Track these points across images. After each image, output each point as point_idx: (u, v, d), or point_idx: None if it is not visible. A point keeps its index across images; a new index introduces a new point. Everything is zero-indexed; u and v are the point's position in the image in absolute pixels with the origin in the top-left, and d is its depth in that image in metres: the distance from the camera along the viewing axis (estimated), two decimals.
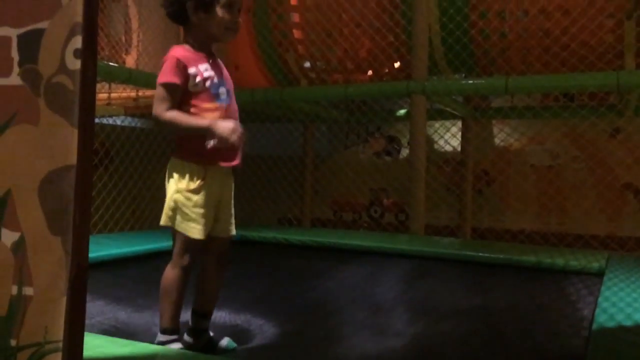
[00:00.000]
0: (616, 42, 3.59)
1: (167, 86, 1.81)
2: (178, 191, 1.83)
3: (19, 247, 1.01)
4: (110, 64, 3.95)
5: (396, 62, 4.48)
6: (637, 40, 3.54)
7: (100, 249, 2.90)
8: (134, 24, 4.30)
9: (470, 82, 4.08)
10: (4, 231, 1.03)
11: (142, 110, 4.04)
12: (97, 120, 3.92)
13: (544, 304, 2.47)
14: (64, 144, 0.98)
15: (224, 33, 1.92)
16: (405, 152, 5.38)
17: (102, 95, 3.92)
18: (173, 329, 1.83)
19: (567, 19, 3.63)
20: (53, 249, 0.98)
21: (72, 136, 0.98)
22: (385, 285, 2.71)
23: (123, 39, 4.54)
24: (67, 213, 0.97)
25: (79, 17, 0.98)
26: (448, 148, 5.03)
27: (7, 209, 1.02)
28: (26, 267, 1.00)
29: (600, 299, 2.28)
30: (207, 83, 1.85)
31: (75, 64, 0.98)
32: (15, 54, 1.03)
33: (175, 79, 1.81)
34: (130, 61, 4.35)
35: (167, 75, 1.82)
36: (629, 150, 4.52)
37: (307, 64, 4.65)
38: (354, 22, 4.31)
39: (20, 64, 1.03)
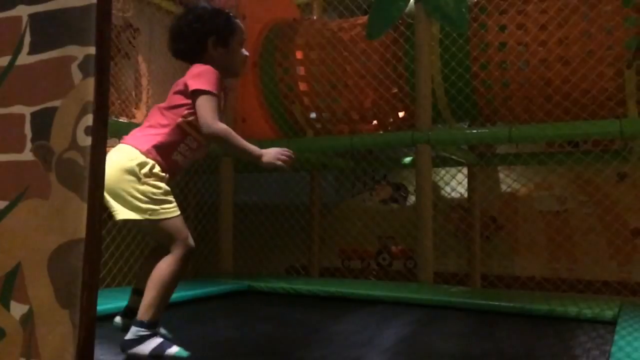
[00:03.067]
0: (617, 90, 3.63)
1: (215, 97, 1.83)
2: (143, 183, 1.80)
3: (27, 320, 1.03)
4: (120, 120, 4.05)
5: (400, 112, 4.55)
6: (638, 88, 3.59)
7: (108, 302, 2.90)
8: (144, 81, 4.42)
9: (474, 131, 4.13)
10: (13, 304, 1.04)
11: None
12: None
13: (557, 354, 2.43)
14: (74, 218, 1.01)
15: (240, 66, 2.04)
16: (412, 199, 5.39)
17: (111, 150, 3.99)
18: (157, 323, 1.82)
19: (567, 69, 3.69)
20: (61, 322, 1.00)
21: (81, 210, 1.01)
22: (394, 335, 2.68)
23: (133, 93, 4.65)
24: (75, 286, 0.99)
25: (90, 97, 1.02)
26: (455, 195, 5.04)
27: (16, 282, 1.05)
28: (34, 340, 1.02)
29: (613, 349, 2.25)
30: (221, 109, 1.94)
31: (86, 141, 1.02)
32: (28, 131, 1.08)
33: (219, 92, 1.86)
34: (139, 116, 4.44)
35: (214, 85, 1.84)
36: (636, 195, 4.51)
37: (313, 115, 4.73)
38: (358, 74, 4.41)
39: (32, 140, 1.07)
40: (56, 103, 1.06)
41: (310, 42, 4.63)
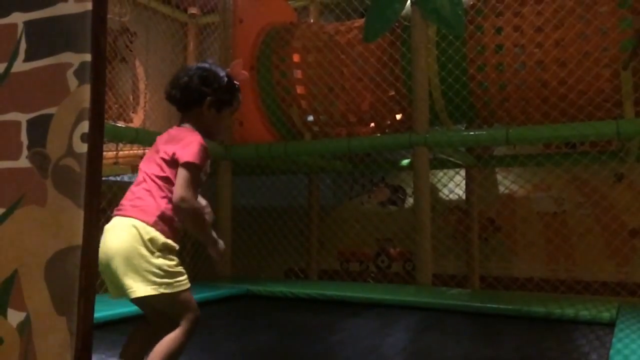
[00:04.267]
0: (614, 91, 3.64)
1: (199, 169, 1.83)
2: (157, 257, 1.77)
3: (24, 327, 1.03)
4: (118, 124, 4.04)
5: (398, 114, 4.55)
6: (634, 89, 3.60)
7: (107, 309, 2.89)
8: (141, 85, 4.42)
9: (472, 133, 4.13)
10: (10, 311, 1.04)
11: None
12: (104, 179, 3.98)
13: (554, 356, 2.43)
14: (70, 224, 1.01)
15: (222, 134, 2.11)
16: (410, 202, 5.39)
17: (109, 154, 4.00)
18: None
19: (564, 70, 3.70)
20: (58, 329, 0.99)
21: (78, 217, 1.01)
22: (393, 338, 2.68)
23: (131, 97, 4.66)
24: (72, 293, 0.99)
25: (86, 103, 1.02)
26: (453, 197, 5.04)
27: (13, 289, 1.04)
28: (31, 348, 1.01)
29: (611, 352, 2.25)
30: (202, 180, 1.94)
31: (82, 148, 1.02)
32: (24, 138, 1.08)
33: (204, 165, 1.87)
34: (137, 120, 4.45)
35: (200, 157, 1.83)
36: (634, 196, 4.51)
37: (310, 118, 4.73)
38: (355, 77, 4.41)
39: (29, 148, 1.07)
40: (52, 110, 1.06)
41: (307, 45, 4.63)
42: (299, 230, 5.19)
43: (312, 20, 5.44)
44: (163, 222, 1.81)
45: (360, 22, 4.54)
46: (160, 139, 1.95)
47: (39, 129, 1.07)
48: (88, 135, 1.02)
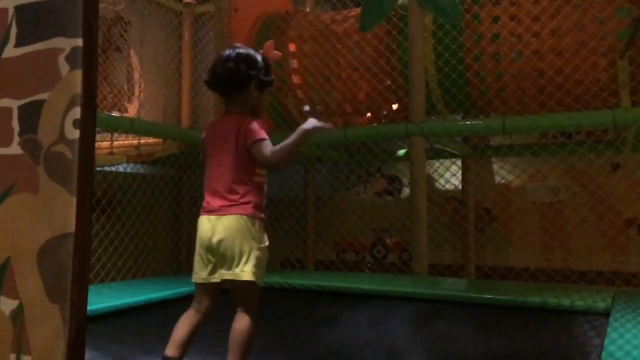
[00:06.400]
0: (610, 81, 3.63)
1: (267, 139, 2.04)
2: (258, 248, 2.03)
3: (17, 315, 1.02)
4: (113, 114, 4.02)
5: (394, 104, 4.53)
6: (631, 78, 3.59)
7: (101, 300, 2.89)
8: (136, 75, 4.39)
9: (468, 123, 4.12)
10: (3, 299, 1.03)
11: (143, 158, 4.08)
12: (99, 169, 3.96)
13: (549, 347, 2.44)
14: (63, 212, 1.00)
15: (263, 112, 2.27)
16: (406, 192, 5.39)
17: (104, 144, 3.98)
18: None
19: (560, 60, 3.69)
20: (51, 317, 0.99)
21: (70, 204, 1.00)
22: (389, 329, 2.68)
23: (125, 87, 4.62)
24: (65, 281, 0.98)
25: (78, 89, 1.01)
26: (449, 187, 5.04)
27: (6, 277, 1.03)
28: (24, 336, 1.01)
29: (606, 341, 2.26)
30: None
31: (74, 134, 1.01)
32: (15, 125, 1.06)
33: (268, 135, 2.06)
34: (132, 110, 4.42)
35: (264, 133, 2.05)
36: (629, 186, 4.52)
37: (306, 108, 4.70)
38: (351, 66, 4.39)
39: (20, 134, 1.06)
40: (43, 96, 1.04)
41: (303, 34, 4.61)
42: (295, 221, 5.19)
43: (308, 9, 5.40)
44: (259, 210, 2.09)
45: (356, 11, 4.51)
46: (217, 131, 2.16)
47: (31, 115, 1.05)
48: (80, 121, 1.01)
